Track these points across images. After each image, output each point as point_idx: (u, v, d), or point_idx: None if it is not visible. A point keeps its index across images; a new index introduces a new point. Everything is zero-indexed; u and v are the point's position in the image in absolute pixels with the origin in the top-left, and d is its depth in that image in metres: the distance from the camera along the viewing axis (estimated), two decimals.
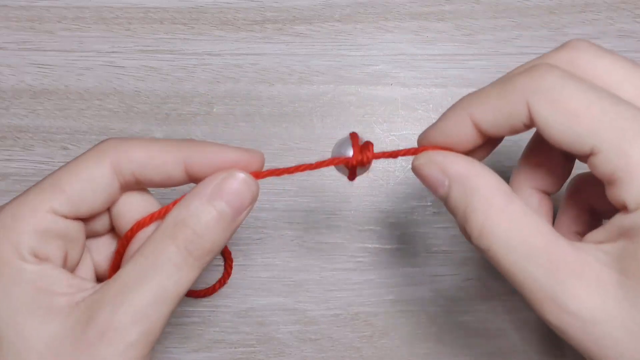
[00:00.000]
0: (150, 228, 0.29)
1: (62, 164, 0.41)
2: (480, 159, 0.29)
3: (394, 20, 0.44)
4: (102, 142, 0.29)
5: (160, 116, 0.42)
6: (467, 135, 0.28)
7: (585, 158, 0.25)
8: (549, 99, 0.25)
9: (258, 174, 0.30)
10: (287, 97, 0.43)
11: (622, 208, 0.25)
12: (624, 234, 0.24)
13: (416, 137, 0.42)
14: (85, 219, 0.29)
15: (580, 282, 0.24)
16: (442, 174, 0.28)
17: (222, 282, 0.40)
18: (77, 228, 0.29)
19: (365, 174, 0.31)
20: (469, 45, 0.43)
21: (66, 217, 0.28)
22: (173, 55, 0.43)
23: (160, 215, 0.29)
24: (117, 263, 0.30)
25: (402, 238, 0.41)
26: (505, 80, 0.27)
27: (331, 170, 0.42)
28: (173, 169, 0.29)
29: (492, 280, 0.41)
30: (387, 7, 0.44)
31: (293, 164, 0.42)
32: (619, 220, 0.25)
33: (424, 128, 0.42)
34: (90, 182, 0.28)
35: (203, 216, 0.27)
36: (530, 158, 0.30)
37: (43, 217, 0.27)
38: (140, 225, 0.29)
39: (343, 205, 0.42)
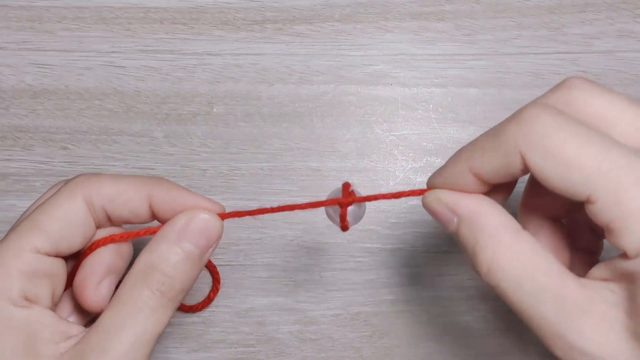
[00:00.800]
0: (109, 248, 0.31)
1: (62, 163, 0.42)
2: (501, 201, 0.29)
3: (394, 20, 0.44)
4: (73, 179, 0.30)
5: (160, 116, 0.42)
6: (471, 184, 0.28)
7: (583, 205, 0.25)
8: (540, 148, 0.25)
9: (222, 215, 0.31)
10: (287, 97, 0.43)
11: (622, 253, 0.25)
12: (628, 276, 0.25)
13: (416, 137, 0.43)
14: (65, 256, 0.30)
15: (587, 319, 0.25)
16: (451, 212, 0.28)
17: (211, 297, 0.40)
18: (59, 265, 0.30)
19: (358, 224, 0.31)
20: (469, 45, 0.43)
21: (49, 254, 0.29)
22: (173, 55, 0.43)
23: (120, 238, 0.31)
24: (69, 283, 0.31)
25: (402, 238, 0.41)
26: (497, 129, 0.27)
27: (331, 171, 0.42)
28: (139, 206, 0.30)
29: None
30: (387, 7, 0.44)
31: (293, 164, 0.42)
32: (620, 263, 0.25)
33: (423, 128, 0.43)
34: (66, 219, 0.29)
35: (171, 258, 0.29)
36: (535, 187, 0.31)
37: (28, 258, 0.28)
38: (97, 244, 0.30)
39: None
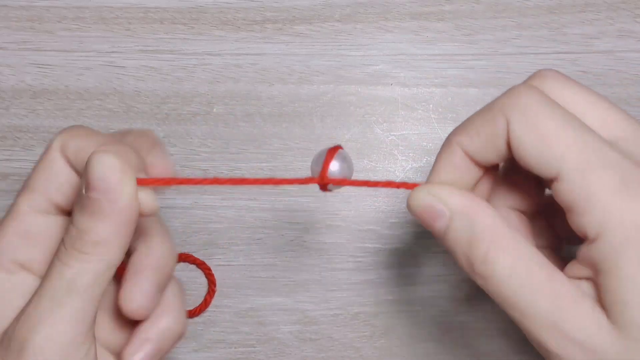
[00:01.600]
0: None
1: None
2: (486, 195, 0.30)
3: (394, 20, 0.44)
4: (59, 133, 0.29)
5: (160, 116, 0.42)
6: (462, 168, 0.28)
7: (549, 183, 0.26)
8: (524, 118, 0.26)
9: (144, 180, 0.28)
10: (287, 97, 0.43)
11: (583, 236, 0.26)
12: (591, 267, 0.26)
13: (416, 137, 0.43)
14: (64, 212, 0.30)
15: (580, 310, 0.25)
16: (443, 206, 0.28)
17: (208, 300, 0.40)
18: (54, 222, 0.29)
19: (338, 190, 0.30)
20: (469, 45, 0.43)
21: (44, 212, 0.29)
22: (173, 55, 0.43)
23: (163, 182, 0.28)
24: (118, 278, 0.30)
25: (402, 238, 0.41)
26: (486, 106, 0.28)
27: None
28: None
29: None
30: (387, 7, 0.44)
31: (293, 164, 0.42)
32: (584, 252, 0.26)
33: (424, 128, 0.43)
34: (50, 173, 0.29)
35: (78, 211, 0.27)
36: (506, 178, 0.31)
37: (24, 219, 0.28)
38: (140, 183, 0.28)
39: (343, 205, 0.42)
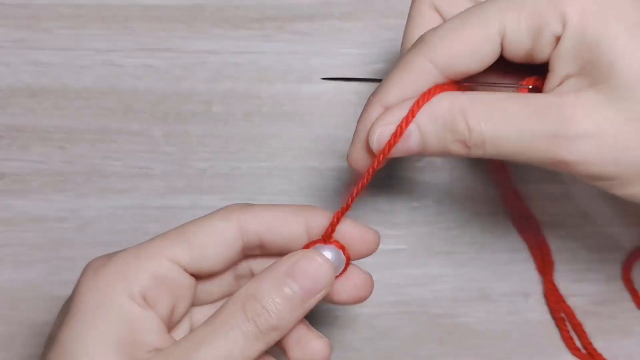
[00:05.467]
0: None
1: (59, 163, 0.41)
2: None
3: (395, 18, 0.43)
4: (228, 205, 0.30)
5: (159, 115, 0.42)
6: (422, 81, 0.29)
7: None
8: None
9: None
10: (286, 96, 0.42)
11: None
12: (579, 59, 0.27)
13: None
14: (203, 277, 0.30)
15: (576, 112, 0.26)
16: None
17: None
18: (191, 284, 0.29)
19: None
20: None
21: (185, 269, 0.28)
22: (172, 54, 0.43)
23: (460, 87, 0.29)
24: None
25: (402, 239, 0.41)
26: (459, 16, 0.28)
27: (331, 171, 0.42)
28: (296, 231, 0.30)
29: (493, 281, 0.41)
30: (388, 4, 0.44)
31: (293, 164, 0.42)
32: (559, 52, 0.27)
33: None
34: (214, 236, 0.29)
35: (272, 294, 0.27)
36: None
37: (162, 263, 0.28)
38: (433, 91, 0.28)
39: None
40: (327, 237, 0.29)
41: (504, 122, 0.27)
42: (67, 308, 0.28)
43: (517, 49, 0.28)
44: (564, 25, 0.27)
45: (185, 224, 0.29)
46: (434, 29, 0.28)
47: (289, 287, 0.28)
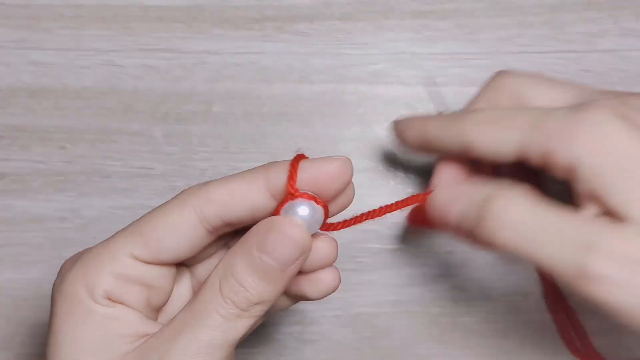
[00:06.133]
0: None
1: (60, 163, 0.41)
2: None
3: (395, 19, 0.43)
4: (183, 191, 0.29)
5: (159, 115, 0.42)
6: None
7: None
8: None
9: (328, 226, 0.29)
10: (287, 96, 0.42)
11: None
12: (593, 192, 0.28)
13: None
14: (171, 264, 0.29)
15: (607, 234, 0.27)
16: (453, 197, 0.31)
17: None
18: (160, 273, 0.29)
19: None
20: (470, 44, 0.43)
21: (147, 262, 0.28)
22: (172, 54, 0.43)
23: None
24: None
25: (402, 238, 0.41)
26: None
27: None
28: (258, 197, 0.28)
29: (493, 281, 0.41)
30: (388, 5, 0.44)
31: None
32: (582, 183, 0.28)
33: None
34: (171, 228, 0.28)
35: (247, 272, 0.27)
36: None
37: (121, 261, 0.27)
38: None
39: None
40: (292, 193, 0.27)
41: (543, 236, 0.28)
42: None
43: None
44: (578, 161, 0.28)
45: (143, 217, 0.28)
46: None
47: (263, 262, 0.27)
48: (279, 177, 0.27)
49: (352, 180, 0.28)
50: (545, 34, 0.43)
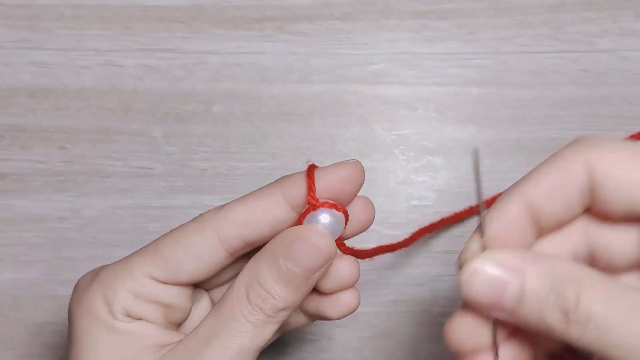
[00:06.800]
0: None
1: (60, 163, 0.41)
2: None
3: (395, 19, 0.43)
4: (201, 214, 0.29)
5: (159, 115, 0.42)
6: (520, 228, 0.25)
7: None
8: (607, 162, 0.23)
9: (344, 248, 0.29)
10: (287, 96, 0.42)
11: None
12: None
13: (416, 136, 0.42)
14: (189, 284, 0.29)
15: None
16: (513, 272, 0.23)
17: None
18: (178, 293, 0.29)
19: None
20: (470, 44, 0.43)
21: (164, 282, 0.28)
22: (172, 54, 0.43)
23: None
24: None
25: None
26: (554, 156, 0.25)
27: None
28: (278, 212, 0.28)
29: None
30: (388, 5, 0.44)
31: (293, 164, 0.42)
32: None
33: (424, 127, 0.42)
34: (191, 250, 0.28)
35: (274, 280, 0.27)
36: None
37: (139, 281, 0.28)
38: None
39: None
40: (314, 203, 0.27)
41: (621, 324, 0.22)
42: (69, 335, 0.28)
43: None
44: None
45: (162, 237, 0.29)
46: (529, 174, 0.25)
47: (290, 270, 0.27)
48: (297, 190, 0.28)
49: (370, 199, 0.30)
50: (545, 34, 0.43)
